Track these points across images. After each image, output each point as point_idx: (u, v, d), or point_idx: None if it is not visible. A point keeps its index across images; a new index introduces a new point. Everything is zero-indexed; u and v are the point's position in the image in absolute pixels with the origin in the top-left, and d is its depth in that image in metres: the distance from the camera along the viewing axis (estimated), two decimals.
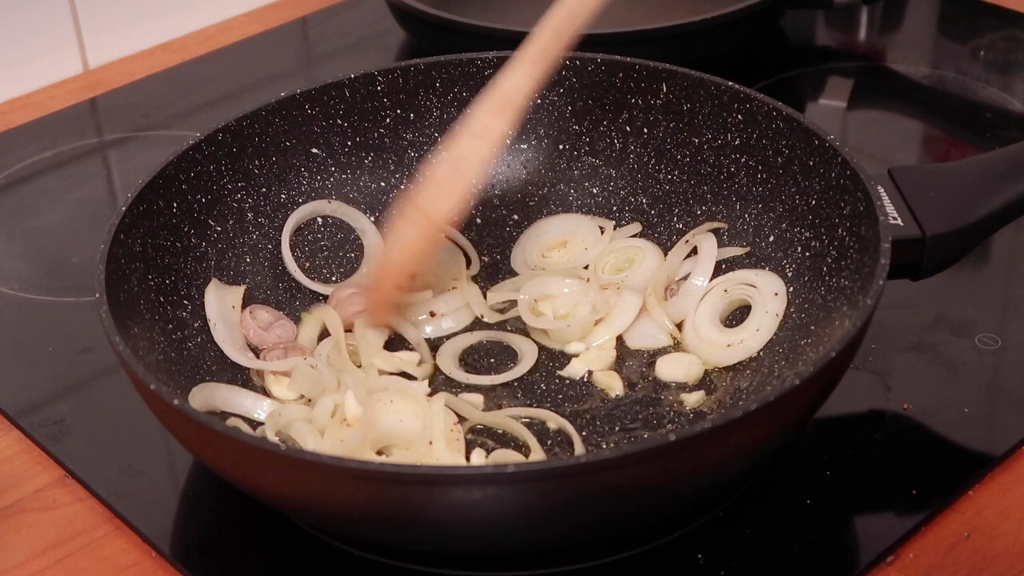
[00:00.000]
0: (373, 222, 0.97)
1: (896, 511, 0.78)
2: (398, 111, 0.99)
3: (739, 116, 0.92)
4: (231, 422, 0.81)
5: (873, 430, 0.84)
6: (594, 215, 0.98)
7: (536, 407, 0.84)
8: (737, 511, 0.78)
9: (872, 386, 0.87)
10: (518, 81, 0.82)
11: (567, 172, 1.00)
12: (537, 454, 0.80)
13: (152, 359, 0.79)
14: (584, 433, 0.82)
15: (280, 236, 0.94)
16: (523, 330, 0.91)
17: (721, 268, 0.91)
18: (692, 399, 0.84)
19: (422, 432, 0.79)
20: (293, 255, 0.94)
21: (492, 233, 0.99)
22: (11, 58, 1.25)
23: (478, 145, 0.82)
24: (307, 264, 0.94)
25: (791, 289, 0.87)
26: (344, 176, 0.98)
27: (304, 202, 0.96)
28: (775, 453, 0.81)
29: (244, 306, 0.89)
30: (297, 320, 0.91)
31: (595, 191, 0.99)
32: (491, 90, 0.83)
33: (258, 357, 0.87)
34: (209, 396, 0.82)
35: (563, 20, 0.82)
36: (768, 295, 0.86)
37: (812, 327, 0.83)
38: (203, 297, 0.88)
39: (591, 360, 0.87)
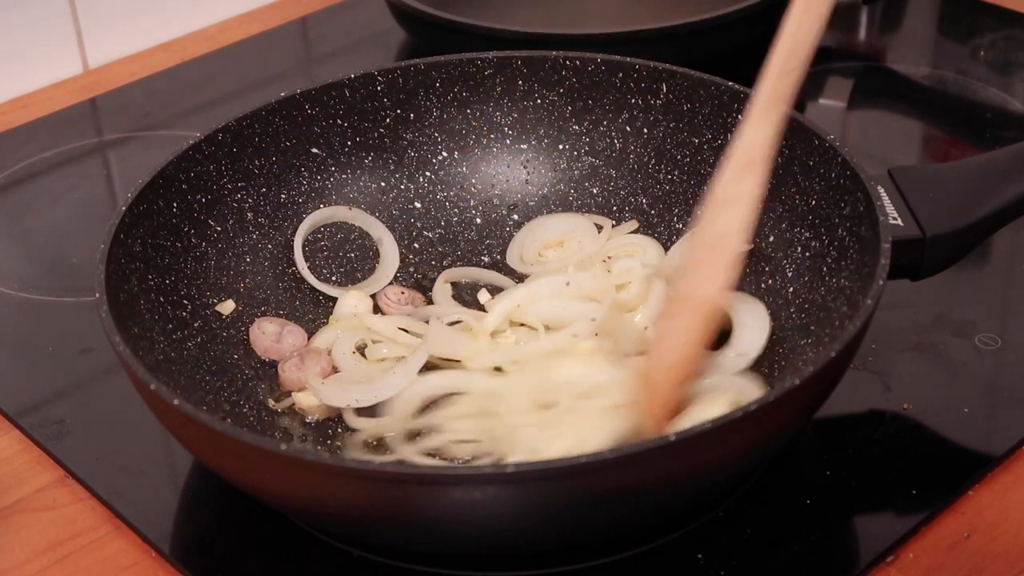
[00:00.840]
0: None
1: (896, 511, 0.78)
2: (398, 111, 0.99)
3: (739, 116, 0.92)
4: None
5: (873, 430, 0.84)
6: (593, 214, 0.98)
7: None
8: (737, 511, 0.78)
9: (872, 386, 0.87)
10: (756, 134, 0.77)
11: (567, 172, 1.00)
12: None
13: (152, 359, 0.79)
14: None
15: (283, 236, 0.94)
16: None
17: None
18: None
19: None
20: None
21: (492, 233, 0.99)
22: (11, 58, 1.25)
23: (733, 213, 0.76)
24: (307, 263, 0.94)
25: (791, 289, 0.87)
26: (344, 176, 0.98)
27: (304, 202, 0.96)
28: (775, 453, 0.81)
29: (249, 320, 0.89)
30: (298, 320, 0.91)
31: (595, 191, 0.99)
32: (731, 152, 0.77)
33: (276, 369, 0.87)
34: None
35: (784, 56, 0.76)
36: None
37: (812, 327, 0.83)
38: (203, 297, 0.88)
39: None
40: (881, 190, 0.83)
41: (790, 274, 0.88)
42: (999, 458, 0.82)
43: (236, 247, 0.92)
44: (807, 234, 0.87)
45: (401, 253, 0.97)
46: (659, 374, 0.77)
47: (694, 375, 0.78)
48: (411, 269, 0.97)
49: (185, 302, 0.87)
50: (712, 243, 0.76)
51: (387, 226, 0.98)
